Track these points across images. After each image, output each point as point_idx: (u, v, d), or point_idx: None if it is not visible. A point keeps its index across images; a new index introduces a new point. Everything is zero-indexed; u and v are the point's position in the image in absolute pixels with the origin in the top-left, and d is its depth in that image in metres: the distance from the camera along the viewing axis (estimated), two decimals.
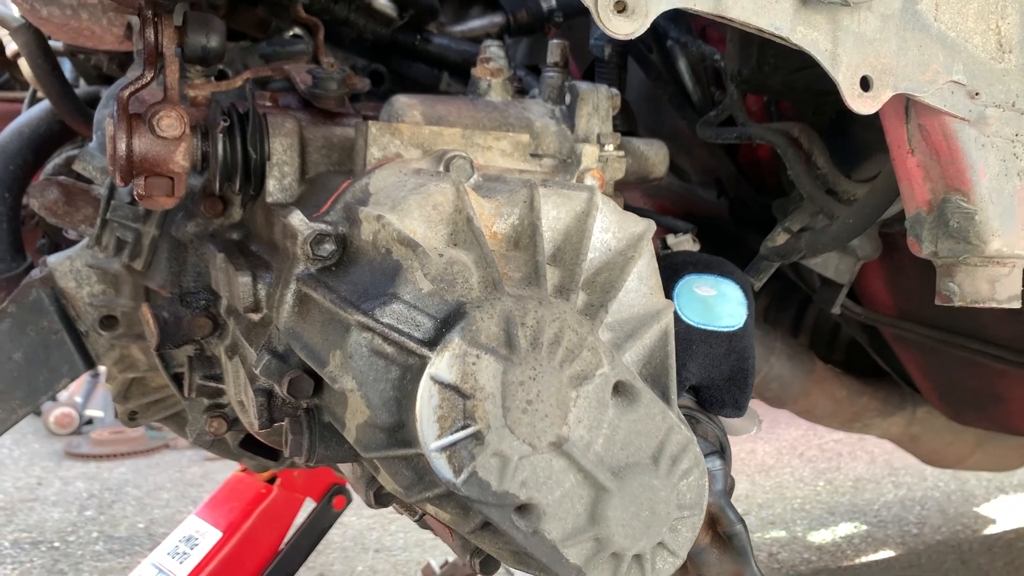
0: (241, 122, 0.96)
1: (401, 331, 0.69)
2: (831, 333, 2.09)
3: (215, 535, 1.92)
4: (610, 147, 1.02)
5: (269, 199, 0.97)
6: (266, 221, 1.00)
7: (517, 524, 0.74)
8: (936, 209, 0.84)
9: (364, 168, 0.89)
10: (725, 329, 1.11)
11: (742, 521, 1.08)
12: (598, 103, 1.06)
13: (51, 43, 1.59)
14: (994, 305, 0.86)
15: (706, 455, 1.09)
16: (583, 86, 1.07)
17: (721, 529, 1.06)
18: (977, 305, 0.86)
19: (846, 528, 3.47)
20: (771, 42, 0.75)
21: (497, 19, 1.51)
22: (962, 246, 0.83)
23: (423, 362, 0.68)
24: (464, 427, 0.69)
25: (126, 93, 0.92)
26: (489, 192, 0.81)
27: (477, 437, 0.69)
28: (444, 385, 0.68)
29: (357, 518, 3.54)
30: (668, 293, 1.11)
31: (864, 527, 3.47)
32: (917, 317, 1.57)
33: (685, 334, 1.09)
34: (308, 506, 2.07)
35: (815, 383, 1.93)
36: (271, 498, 1.96)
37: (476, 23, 1.50)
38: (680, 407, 1.12)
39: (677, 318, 1.11)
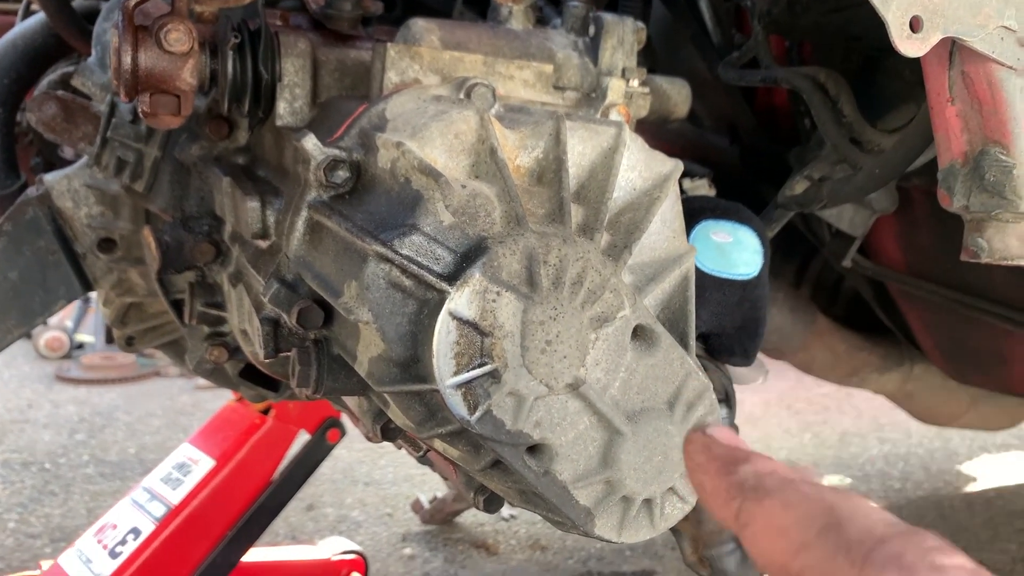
0: (252, 40, 0.92)
1: (420, 264, 0.66)
2: (833, 286, 2.07)
3: (208, 463, 1.92)
4: (635, 82, 0.98)
5: (279, 122, 0.93)
6: (275, 145, 0.96)
7: (529, 464, 0.72)
8: (972, 161, 0.81)
9: (381, 93, 0.85)
10: (740, 277, 1.09)
11: None
12: (623, 36, 1.02)
13: None
14: (1021, 263, 0.84)
15: None
16: (609, 17, 1.03)
17: None
18: (1006, 263, 0.84)
19: (830, 481, 3.50)
20: None
21: None
22: (996, 200, 0.80)
23: (442, 297, 0.66)
24: (481, 365, 0.67)
25: (132, 3, 0.88)
26: (512, 123, 0.78)
27: (494, 375, 0.67)
28: (463, 321, 0.66)
29: (348, 451, 3.57)
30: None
31: (848, 480, 3.52)
32: (927, 274, 1.55)
33: (699, 280, 1.07)
34: (302, 438, 2.07)
35: (815, 336, 1.92)
36: (265, 429, 1.96)
37: None
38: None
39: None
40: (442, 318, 0.65)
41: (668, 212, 0.81)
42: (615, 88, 0.93)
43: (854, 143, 1.15)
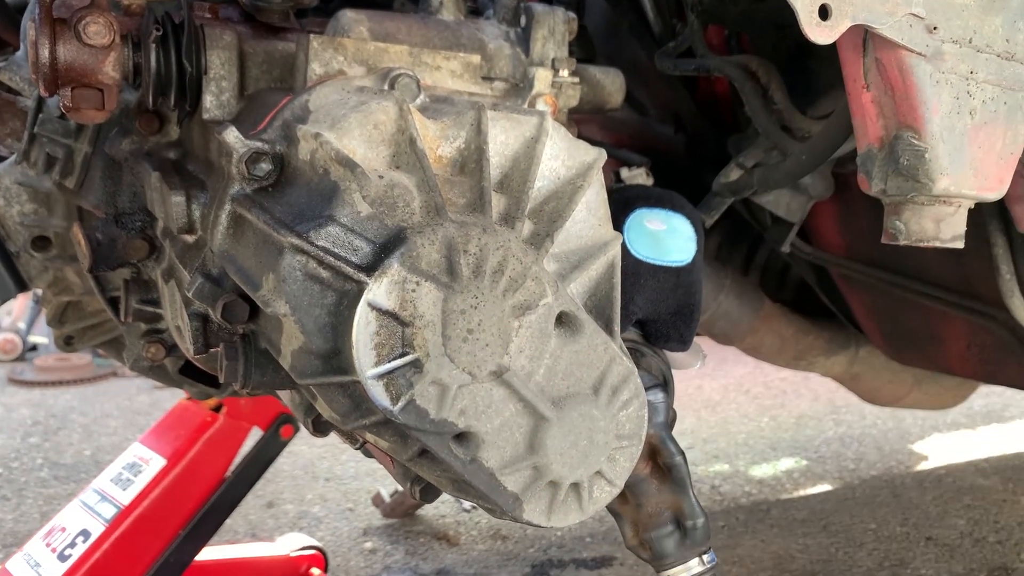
0: (176, 33, 0.91)
1: (337, 255, 0.66)
2: (781, 272, 2.10)
3: (159, 462, 1.90)
4: (565, 73, 0.99)
5: (206, 115, 0.92)
6: (202, 139, 0.96)
7: (455, 452, 0.73)
8: (887, 146, 0.83)
9: (304, 85, 0.85)
10: (674, 264, 1.10)
11: (682, 453, 1.09)
12: (554, 26, 1.03)
13: None
14: (938, 244, 0.86)
15: (648, 388, 1.10)
16: (539, 8, 1.03)
17: (661, 460, 1.08)
18: (921, 244, 0.86)
19: (787, 463, 3.58)
20: None
21: None
22: (911, 184, 0.83)
23: (360, 288, 0.66)
24: (402, 355, 0.67)
25: None
26: (435, 114, 0.78)
27: (415, 365, 0.68)
28: (382, 312, 0.66)
29: (308, 447, 3.55)
30: (618, 226, 1.10)
31: (804, 462, 3.58)
32: (865, 257, 1.58)
33: (634, 268, 1.09)
34: (255, 435, 2.05)
35: (763, 321, 1.95)
36: (217, 426, 1.94)
37: None
38: (625, 340, 1.13)
39: (626, 252, 1.10)
40: (361, 309, 0.66)
41: (593, 200, 0.82)
42: (541, 78, 0.94)
43: (785, 130, 1.17)
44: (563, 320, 0.76)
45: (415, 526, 2.93)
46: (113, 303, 1.21)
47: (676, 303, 1.11)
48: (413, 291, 0.67)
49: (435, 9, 1.03)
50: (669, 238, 1.10)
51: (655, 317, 1.12)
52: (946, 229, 0.85)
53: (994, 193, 0.86)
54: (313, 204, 0.70)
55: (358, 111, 0.72)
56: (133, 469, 1.92)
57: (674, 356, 1.21)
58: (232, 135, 0.77)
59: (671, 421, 1.14)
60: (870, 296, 1.68)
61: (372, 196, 0.68)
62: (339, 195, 0.68)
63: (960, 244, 0.87)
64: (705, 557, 1.07)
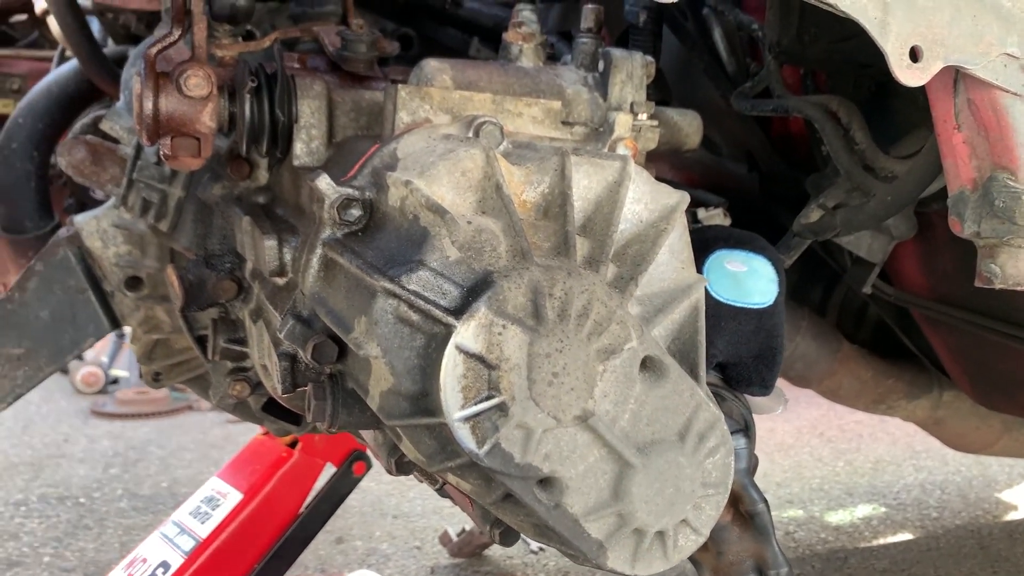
0: (269, 83, 0.95)
1: (427, 299, 0.68)
2: (858, 312, 2.05)
3: (236, 496, 1.94)
4: (643, 116, 1.00)
5: (296, 162, 0.95)
6: (293, 185, 0.99)
7: (539, 497, 0.73)
8: (981, 187, 0.81)
9: (392, 133, 0.88)
10: (755, 306, 1.09)
11: (764, 500, 1.07)
12: (632, 71, 1.04)
13: (80, 1, 1.58)
14: None
15: (731, 433, 1.08)
16: (617, 53, 1.04)
17: (743, 507, 1.05)
18: (1020, 288, 0.84)
19: (864, 509, 3.45)
20: (813, 11, 0.73)
21: None
22: (1007, 226, 0.80)
23: (448, 331, 0.67)
24: (488, 398, 0.68)
25: (154, 50, 0.91)
26: (519, 159, 0.79)
27: (501, 408, 0.68)
28: (469, 355, 0.67)
29: (376, 484, 3.57)
30: (698, 267, 1.09)
31: (883, 509, 3.45)
32: (950, 299, 1.53)
33: (714, 310, 1.07)
34: (329, 471, 2.08)
35: (841, 363, 1.91)
36: (292, 462, 1.97)
37: None
38: (709, 385, 1.12)
39: (706, 293, 1.09)
40: (449, 351, 0.67)
41: (676, 243, 0.82)
42: (622, 122, 0.95)
43: (867, 170, 1.15)
44: (648, 365, 0.75)
45: (482, 566, 2.91)
46: (200, 341, 1.25)
47: (758, 346, 1.10)
48: (500, 334, 0.67)
49: (515, 56, 1.05)
50: (750, 280, 1.09)
51: (736, 360, 1.10)
52: None
53: None
54: (403, 249, 0.72)
55: (446, 159, 0.74)
56: (211, 503, 1.96)
57: (756, 400, 1.19)
58: (324, 182, 0.79)
59: (753, 467, 1.12)
60: (955, 338, 1.63)
61: (461, 241, 0.69)
62: (429, 240, 0.69)
63: None
64: None
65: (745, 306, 1.08)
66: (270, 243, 0.87)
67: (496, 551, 2.93)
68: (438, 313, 0.67)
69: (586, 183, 0.78)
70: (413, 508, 3.39)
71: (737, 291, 1.08)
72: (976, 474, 3.80)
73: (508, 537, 0.89)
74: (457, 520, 3.09)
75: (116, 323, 1.33)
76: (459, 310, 0.68)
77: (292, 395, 0.93)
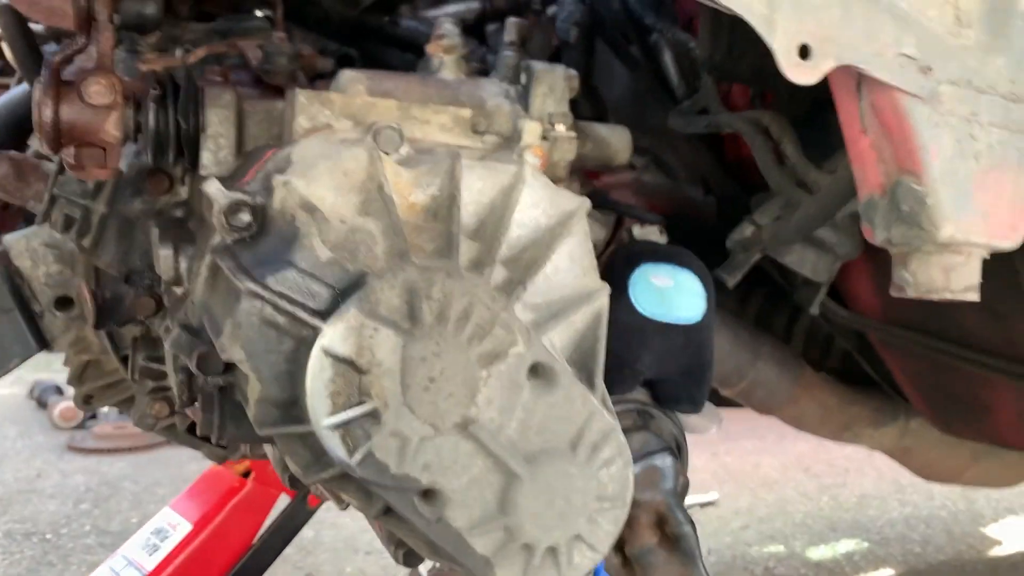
0: (176, 92, 0.94)
1: (293, 300, 0.65)
2: (825, 340, 2.02)
3: (186, 527, 1.89)
4: (561, 127, 0.98)
5: (203, 172, 0.94)
6: (200, 196, 0.97)
7: (420, 510, 0.70)
8: (889, 193, 0.79)
9: (291, 138, 0.86)
10: (682, 322, 1.06)
11: (691, 522, 1.03)
12: (554, 83, 1.02)
13: (33, 26, 1.58)
14: (949, 296, 0.81)
15: (656, 452, 1.05)
16: (539, 66, 1.03)
17: (669, 529, 1.02)
18: (931, 296, 0.81)
19: (847, 544, 3.39)
20: (742, 25, 0.71)
21: (474, 4, 1.47)
22: (915, 232, 0.78)
23: (316, 333, 0.64)
24: (359, 404, 0.65)
25: (57, 59, 0.90)
26: (415, 163, 0.77)
27: (373, 415, 0.65)
28: (338, 358, 0.65)
29: (351, 520, 3.50)
30: (623, 282, 1.07)
31: (866, 544, 3.39)
32: (902, 320, 1.51)
33: (640, 325, 1.05)
34: (284, 501, 2.04)
35: (803, 389, 1.87)
36: (244, 492, 1.93)
37: (452, 8, 1.47)
38: (634, 401, 1.09)
39: (632, 309, 1.06)
40: (315, 355, 0.64)
41: (576, 249, 0.80)
42: (530, 130, 0.93)
43: (801, 185, 1.13)
44: (537, 371, 0.73)
45: None
46: (126, 361, 1.23)
47: (686, 362, 1.07)
48: (371, 337, 0.65)
49: (436, 68, 1.04)
50: (677, 295, 1.07)
51: (664, 377, 1.07)
52: (956, 280, 0.80)
53: (1008, 242, 0.80)
54: (278, 250, 0.69)
55: (328, 159, 0.72)
56: (160, 534, 1.91)
57: (688, 419, 1.16)
58: (214, 187, 0.77)
59: (683, 489, 1.09)
60: (911, 362, 1.60)
61: (333, 241, 0.67)
62: (299, 240, 0.67)
63: (974, 296, 0.82)
64: None
65: (672, 322, 1.06)
66: (166, 252, 0.85)
67: None
68: (304, 315, 0.65)
69: (479, 186, 0.76)
70: None
71: (663, 306, 1.06)
72: (962, 508, 3.74)
73: (411, 558, 0.85)
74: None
75: (44, 344, 1.31)
76: (328, 312, 0.65)
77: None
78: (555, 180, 1.01)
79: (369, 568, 3.11)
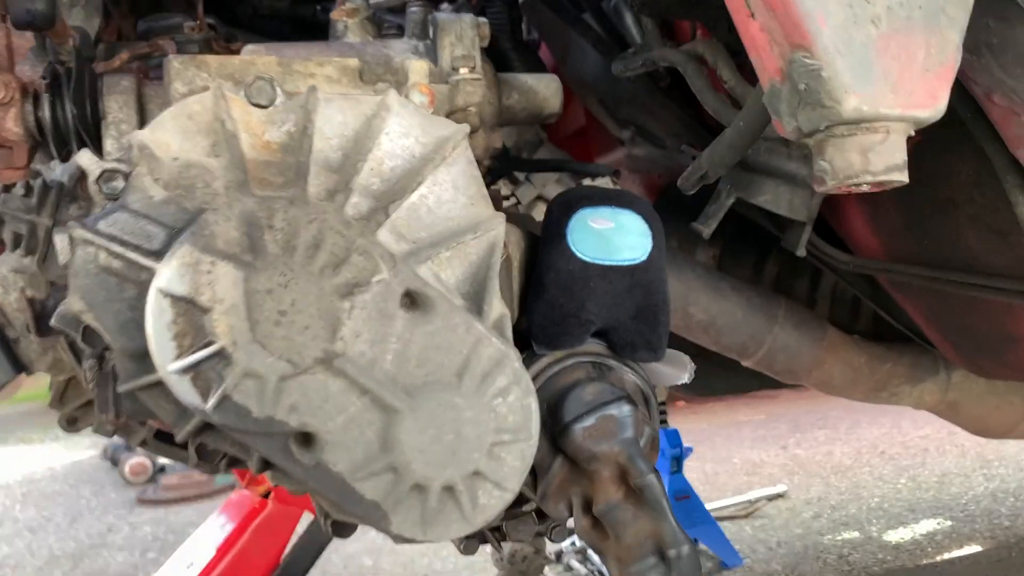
0: (70, 82, 0.93)
1: (125, 242, 0.62)
2: (853, 301, 1.91)
3: (210, 553, 1.89)
4: (464, 71, 0.94)
5: (107, 159, 0.93)
6: None
7: (297, 456, 0.65)
8: (787, 76, 0.73)
9: (170, 103, 0.84)
10: (625, 263, 1.00)
11: (655, 471, 0.96)
12: (462, 32, 0.99)
13: None
14: (871, 179, 0.73)
15: (611, 401, 0.98)
16: (444, 17, 1.00)
17: (632, 481, 0.95)
18: (852, 181, 0.74)
19: (928, 525, 3.19)
20: None
21: None
22: (819, 112, 0.71)
23: (152, 275, 0.62)
24: (205, 345, 0.62)
25: None
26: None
27: (222, 355, 0.62)
28: (176, 298, 0.61)
29: (412, 546, 3.48)
30: (562, 229, 1.02)
31: (948, 523, 3.19)
32: (905, 257, 1.41)
33: (581, 272, 0.99)
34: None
35: (828, 351, 1.77)
36: (265, 514, 1.92)
37: None
38: (587, 353, 1.02)
39: (571, 256, 1.01)
40: (151, 296, 0.61)
41: (460, 179, 0.75)
42: (415, 69, 0.89)
43: (740, 108, 1.06)
44: (413, 300, 0.68)
45: None
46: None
47: (634, 306, 1.01)
48: (209, 272, 0.62)
49: (341, 33, 1.02)
50: (618, 236, 1.01)
51: (615, 324, 1.01)
52: (877, 160, 0.72)
53: (927, 111, 0.72)
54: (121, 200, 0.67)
55: (173, 106, 0.70)
56: (188, 563, 1.91)
57: (657, 370, 1.09)
58: (86, 157, 0.76)
59: (649, 440, 1.02)
60: (924, 301, 1.49)
61: (165, 179, 0.64)
62: (131, 181, 0.65)
63: (900, 176, 0.74)
64: None
65: (615, 264, 1.00)
66: (61, 237, 0.84)
67: None
68: (138, 257, 0.62)
69: (340, 119, 0.72)
70: (445, 567, 3.28)
71: (604, 249, 1.00)
72: None
73: (341, 528, 0.81)
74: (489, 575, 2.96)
75: (21, 367, 1.31)
76: (162, 251, 0.62)
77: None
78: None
79: None
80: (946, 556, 2.90)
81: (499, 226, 0.76)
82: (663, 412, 3.19)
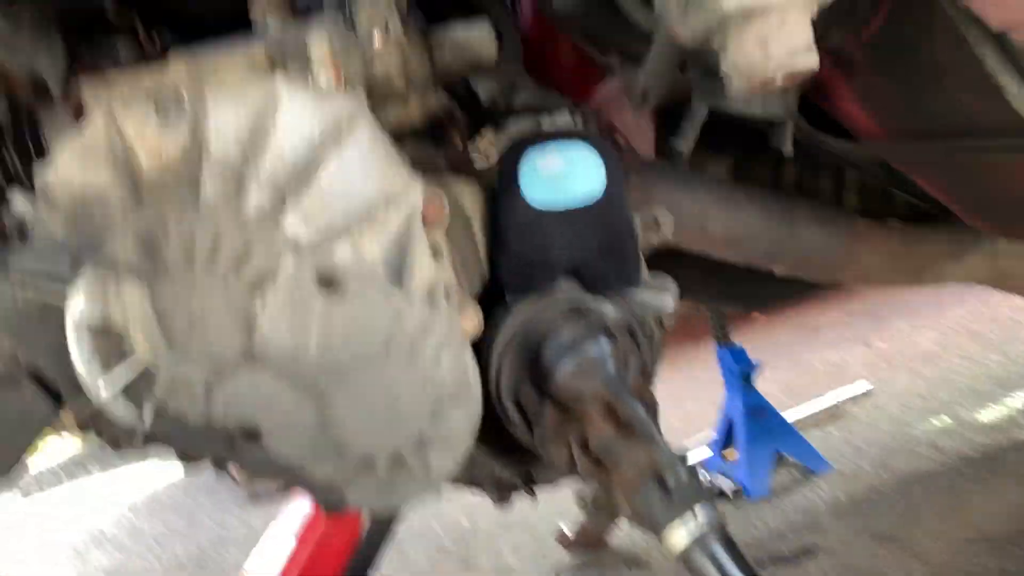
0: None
1: (39, 274, 0.65)
2: (884, 191, 1.84)
3: (292, 543, 1.98)
4: (377, 36, 0.93)
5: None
6: None
7: (249, 454, 0.68)
8: None
9: None
10: (581, 203, 0.98)
11: (646, 402, 0.95)
12: None
13: None
14: (775, 69, 0.69)
15: (587, 340, 0.97)
16: None
17: (621, 415, 0.94)
18: (759, 78, 0.70)
19: (1021, 399, 3.06)
20: None
21: None
22: (704, 13, 0.68)
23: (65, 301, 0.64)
24: (129, 363, 0.64)
25: None
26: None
27: (146, 369, 0.64)
28: (91, 325, 0.64)
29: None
30: (512, 180, 1.00)
31: None
32: (904, 132, 1.34)
33: (538, 221, 0.98)
34: None
35: (860, 242, 1.70)
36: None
37: None
38: (563, 298, 1.01)
39: (525, 206, 0.99)
40: (68, 327, 0.64)
41: (367, 153, 0.75)
42: (316, 46, 0.88)
43: None
44: (329, 281, 0.69)
45: (605, 558, 2.82)
46: None
47: (599, 242, 0.99)
48: (116, 293, 0.64)
49: (262, 28, 1.02)
50: (569, 175, 0.99)
51: (583, 263, 1.00)
52: (776, 48, 0.68)
53: None
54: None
55: (69, 138, 0.72)
56: (272, 553, 2.01)
57: (643, 298, 1.07)
58: (18, 200, 0.79)
59: (643, 373, 1.01)
60: (939, 176, 1.42)
61: (65, 215, 0.66)
62: (35, 224, 0.67)
63: (808, 59, 0.70)
64: (699, 512, 0.91)
65: (570, 207, 0.98)
66: None
67: (618, 537, 2.82)
68: (50, 285, 0.65)
69: (233, 117, 0.73)
70: (540, 515, 3.33)
71: (557, 192, 0.98)
72: None
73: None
74: (571, 516, 3.00)
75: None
76: (71, 279, 0.65)
77: None
78: (395, 94, 0.97)
79: (523, 543, 3.13)
80: None
81: (414, 193, 0.75)
82: (723, 330, 3.13)
